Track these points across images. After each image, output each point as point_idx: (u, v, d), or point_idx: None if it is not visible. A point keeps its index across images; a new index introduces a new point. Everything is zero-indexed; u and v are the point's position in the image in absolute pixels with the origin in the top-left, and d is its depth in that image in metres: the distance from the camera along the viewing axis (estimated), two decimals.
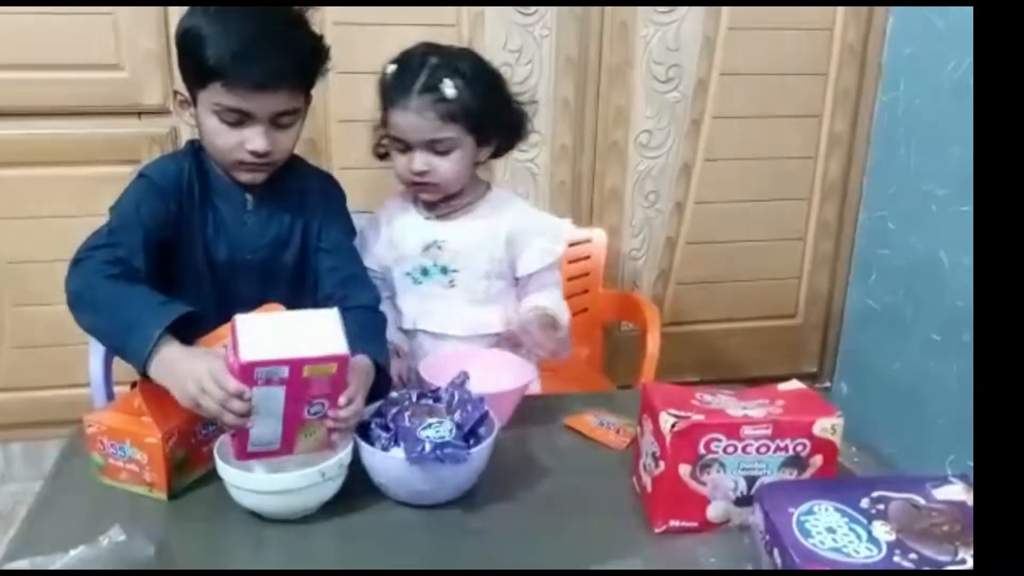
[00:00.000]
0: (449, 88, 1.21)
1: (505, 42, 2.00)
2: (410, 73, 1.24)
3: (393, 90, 1.25)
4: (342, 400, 0.97)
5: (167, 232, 1.18)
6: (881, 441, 2.12)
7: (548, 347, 1.24)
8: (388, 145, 1.31)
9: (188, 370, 0.96)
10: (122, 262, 1.09)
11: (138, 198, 1.17)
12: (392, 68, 1.27)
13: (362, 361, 1.06)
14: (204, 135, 1.19)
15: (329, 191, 1.33)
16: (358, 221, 1.36)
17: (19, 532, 0.95)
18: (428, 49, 1.27)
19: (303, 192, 1.28)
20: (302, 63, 1.18)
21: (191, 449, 1.02)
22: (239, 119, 1.15)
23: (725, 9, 2.09)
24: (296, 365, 0.91)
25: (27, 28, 1.77)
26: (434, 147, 1.25)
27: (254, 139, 1.15)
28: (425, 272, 1.34)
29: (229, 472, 0.95)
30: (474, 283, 1.35)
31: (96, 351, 1.35)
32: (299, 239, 1.27)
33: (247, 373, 0.91)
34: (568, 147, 2.12)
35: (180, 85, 1.19)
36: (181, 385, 0.96)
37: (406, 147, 1.27)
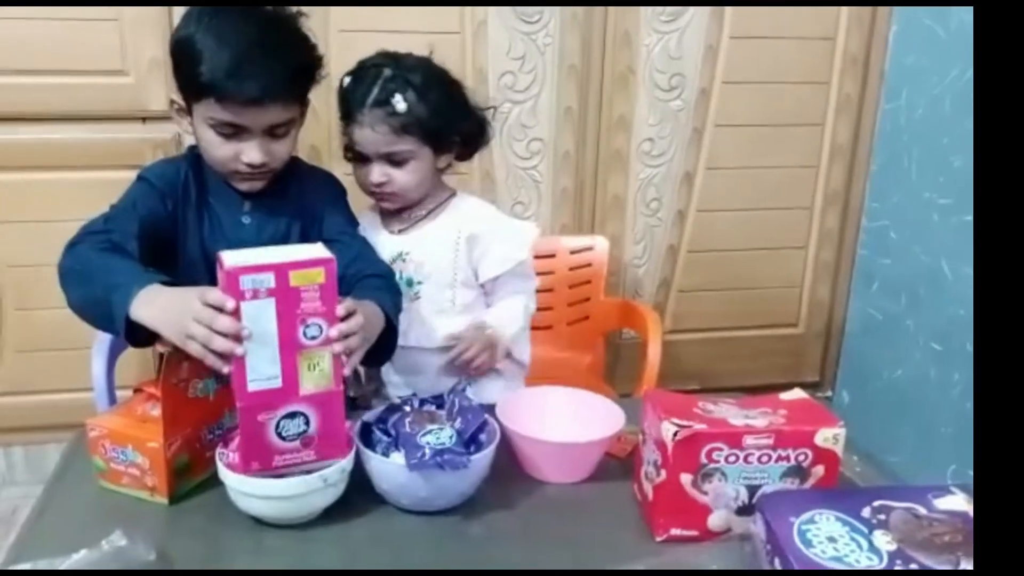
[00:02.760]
0: (400, 103, 1.21)
1: (508, 50, 2.01)
2: (363, 86, 1.24)
3: (348, 104, 1.26)
4: (340, 310, 0.94)
5: (163, 231, 1.18)
6: (883, 450, 2.12)
7: (483, 366, 1.28)
8: (351, 155, 1.31)
9: (175, 298, 0.95)
10: (115, 244, 1.10)
11: (136, 197, 1.19)
12: (347, 80, 1.27)
13: (369, 305, 1.05)
14: (200, 145, 1.19)
15: (329, 188, 1.33)
16: None
17: (20, 536, 0.95)
18: (384, 60, 1.26)
19: (301, 192, 1.28)
20: (295, 76, 1.17)
21: (194, 454, 1.03)
22: (234, 132, 1.15)
23: (728, 18, 2.10)
24: (282, 271, 0.90)
25: (32, 34, 1.79)
26: (390, 158, 1.25)
27: (249, 151, 1.15)
28: None
29: (231, 477, 0.95)
30: (439, 293, 1.33)
31: (99, 354, 1.35)
32: (298, 238, 1.26)
33: (232, 282, 0.89)
34: (571, 155, 2.13)
35: (176, 94, 1.19)
36: (167, 316, 0.95)
37: (364, 158, 1.27)
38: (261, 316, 0.91)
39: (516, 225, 1.40)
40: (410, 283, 1.32)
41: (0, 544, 1.85)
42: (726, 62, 2.13)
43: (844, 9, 2.15)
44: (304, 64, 1.18)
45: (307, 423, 0.95)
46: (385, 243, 1.32)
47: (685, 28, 2.09)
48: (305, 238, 1.26)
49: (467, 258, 1.33)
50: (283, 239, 1.25)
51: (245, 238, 1.23)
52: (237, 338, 0.90)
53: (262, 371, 0.93)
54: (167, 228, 1.20)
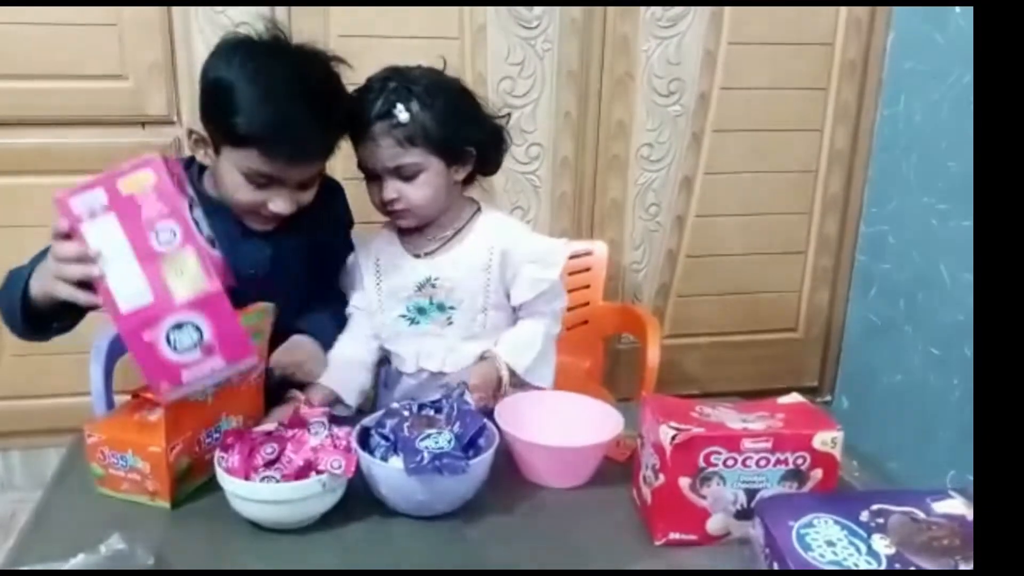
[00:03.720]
0: (402, 112, 1.16)
1: (507, 55, 2.02)
2: (367, 102, 1.19)
3: (354, 121, 1.20)
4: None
5: None
6: (882, 455, 2.12)
7: (485, 399, 1.19)
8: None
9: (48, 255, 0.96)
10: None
11: None
12: (353, 96, 1.22)
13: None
14: (222, 183, 1.16)
15: (325, 193, 1.30)
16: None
17: (19, 540, 0.95)
18: (390, 74, 1.21)
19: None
20: (337, 135, 1.17)
21: (195, 457, 1.03)
22: (267, 182, 1.13)
23: (726, 23, 2.10)
24: (110, 183, 0.88)
25: (32, 38, 1.79)
26: (399, 173, 1.20)
27: (279, 203, 1.14)
28: (422, 311, 1.28)
29: (229, 481, 0.95)
30: (471, 318, 1.28)
31: (97, 360, 1.35)
32: (305, 246, 1.25)
33: (64, 208, 0.89)
34: (569, 159, 2.13)
35: (198, 125, 1.15)
36: (41, 274, 0.97)
37: (374, 176, 1.22)
38: (107, 234, 0.89)
39: (547, 244, 1.31)
40: (442, 308, 1.27)
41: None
42: (725, 68, 2.13)
43: (842, 15, 2.15)
44: (344, 122, 1.17)
45: (198, 330, 0.92)
46: (408, 268, 1.27)
47: (684, 33, 2.09)
48: (308, 250, 1.26)
49: (500, 280, 1.28)
50: (286, 251, 1.23)
51: (246, 254, 1.19)
52: (89, 262, 0.90)
53: (129, 290, 0.90)
54: None
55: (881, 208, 2.25)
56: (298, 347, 1.22)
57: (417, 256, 1.27)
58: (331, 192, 1.33)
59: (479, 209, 1.31)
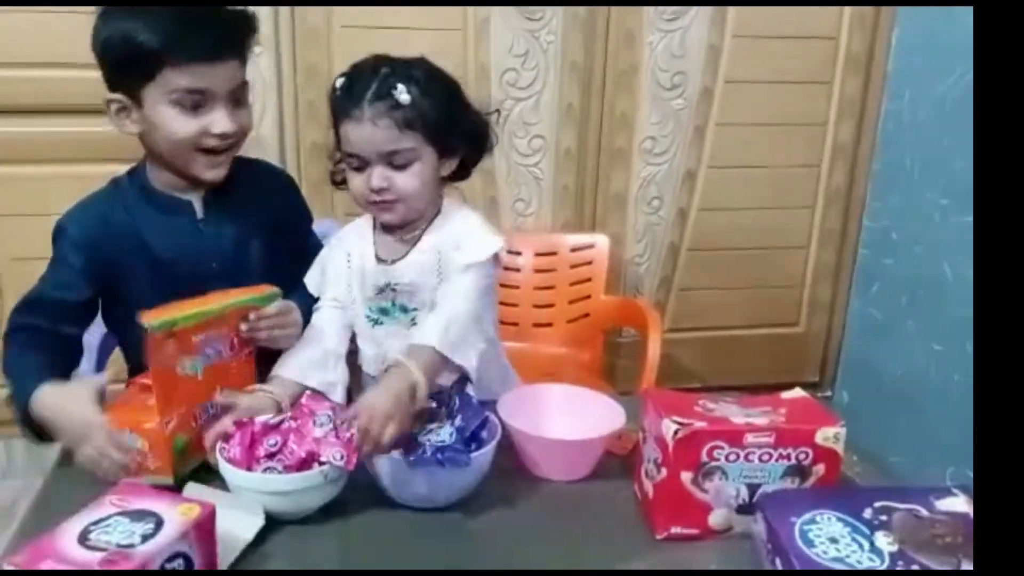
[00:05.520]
0: (403, 94, 1.11)
1: (511, 47, 2.01)
2: (361, 83, 1.13)
3: (344, 101, 1.14)
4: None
5: (107, 273, 1.16)
6: (882, 450, 2.12)
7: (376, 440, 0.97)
8: (344, 165, 1.19)
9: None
10: (34, 339, 1.12)
11: (63, 261, 1.16)
12: (342, 80, 1.16)
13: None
14: (159, 131, 1.12)
15: (278, 182, 1.31)
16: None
17: (21, 527, 0.95)
18: (379, 60, 1.16)
19: (252, 186, 1.24)
20: (243, 30, 1.14)
21: (192, 434, 1.03)
22: (199, 100, 1.10)
23: (731, 17, 2.10)
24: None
25: (38, 26, 1.79)
26: (391, 160, 1.14)
27: (219, 121, 1.12)
28: (384, 312, 1.22)
29: (231, 472, 0.95)
30: None
31: (87, 355, 1.33)
32: (264, 235, 1.23)
33: None
34: (572, 152, 2.12)
35: (114, 94, 1.12)
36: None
37: (362, 164, 1.15)
38: None
39: (474, 230, 1.20)
40: (405, 310, 1.21)
41: (0, 536, 1.85)
42: (728, 61, 2.13)
43: (847, 9, 2.15)
44: (244, 19, 1.15)
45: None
46: (371, 271, 1.21)
47: (688, 27, 2.08)
48: (271, 232, 1.24)
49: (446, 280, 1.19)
50: (246, 240, 1.21)
51: (207, 247, 1.19)
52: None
53: None
54: (116, 259, 1.16)
55: (884, 203, 2.25)
56: (293, 311, 1.19)
57: (382, 261, 1.22)
58: (285, 182, 1.33)
59: (439, 211, 1.24)
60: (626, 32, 2.06)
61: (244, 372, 1.12)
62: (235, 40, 1.13)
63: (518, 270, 2.07)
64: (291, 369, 1.15)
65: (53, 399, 1.03)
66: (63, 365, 1.12)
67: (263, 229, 1.23)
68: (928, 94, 2.06)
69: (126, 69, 1.10)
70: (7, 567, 0.76)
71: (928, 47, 2.05)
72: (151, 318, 0.98)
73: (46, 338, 1.13)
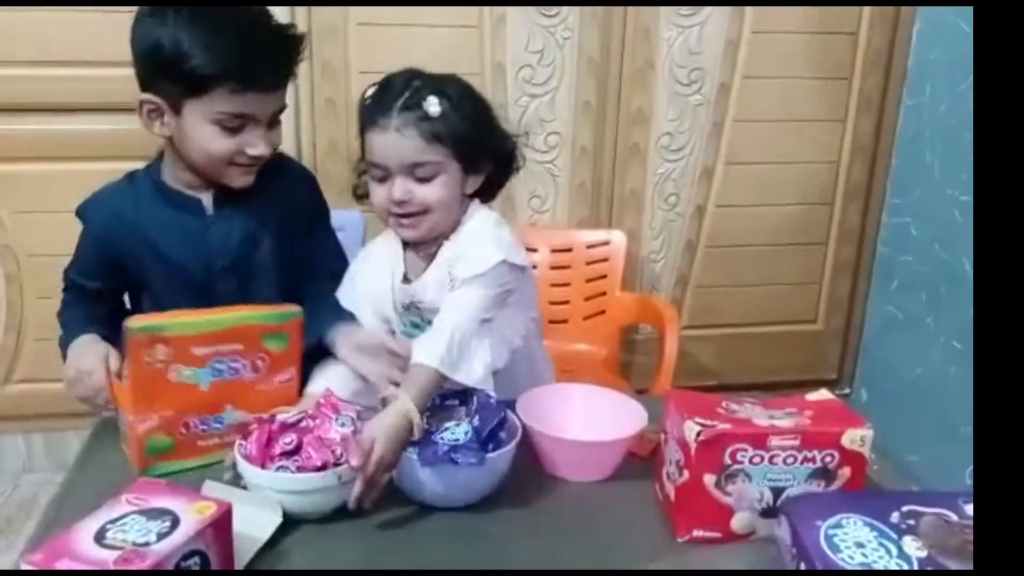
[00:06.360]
0: (433, 106, 1.09)
1: (527, 43, 2.00)
2: (392, 93, 1.12)
3: (372, 110, 1.13)
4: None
5: (124, 256, 1.18)
6: (901, 449, 2.11)
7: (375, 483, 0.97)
8: (367, 177, 1.18)
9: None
10: (77, 296, 1.24)
11: (86, 242, 1.22)
12: (373, 89, 1.16)
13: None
14: (193, 143, 1.11)
15: (295, 179, 1.28)
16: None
17: (41, 522, 0.96)
18: (413, 73, 1.16)
19: (267, 184, 1.21)
20: (297, 58, 1.14)
21: (180, 439, 1.04)
22: (241, 124, 1.10)
23: (748, 13, 2.08)
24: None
25: (51, 25, 1.79)
26: (415, 172, 1.12)
27: (257, 143, 1.11)
28: (416, 326, 1.22)
29: (249, 471, 0.95)
30: None
31: None
32: (275, 233, 1.21)
33: None
34: (588, 149, 2.11)
35: (152, 95, 1.10)
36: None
37: (385, 174, 1.14)
38: None
39: (479, 247, 1.16)
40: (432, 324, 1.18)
41: (21, 530, 1.87)
42: (746, 57, 2.11)
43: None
44: (296, 43, 1.14)
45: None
46: (398, 292, 1.21)
47: (705, 22, 2.07)
48: (280, 231, 1.22)
49: None
50: (255, 237, 1.20)
51: (215, 243, 1.18)
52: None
53: None
54: (127, 253, 1.18)
55: (904, 199, 2.22)
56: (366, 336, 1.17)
57: (407, 280, 1.21)
58: (303, 180, 1.30)
59: (457, 224, 1.21)
60: (643, 28, 2.04)
61: (282, 396, 1.10)
62: (290, 67, 1.13)
63: (534, 267, 2.06)
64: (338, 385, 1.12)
65: (76, 350, 1.14)
66: (105, 318, 1.19)
67: (274, 227, 1.22)
68: (949, 89, 2.03)
69: (173, 81, 1.08)
70: (24, 566, 0.76)
71: (949, 42, 2.02)
72: (137, 321, 1.01)
73: (90, 296, 1.23)
